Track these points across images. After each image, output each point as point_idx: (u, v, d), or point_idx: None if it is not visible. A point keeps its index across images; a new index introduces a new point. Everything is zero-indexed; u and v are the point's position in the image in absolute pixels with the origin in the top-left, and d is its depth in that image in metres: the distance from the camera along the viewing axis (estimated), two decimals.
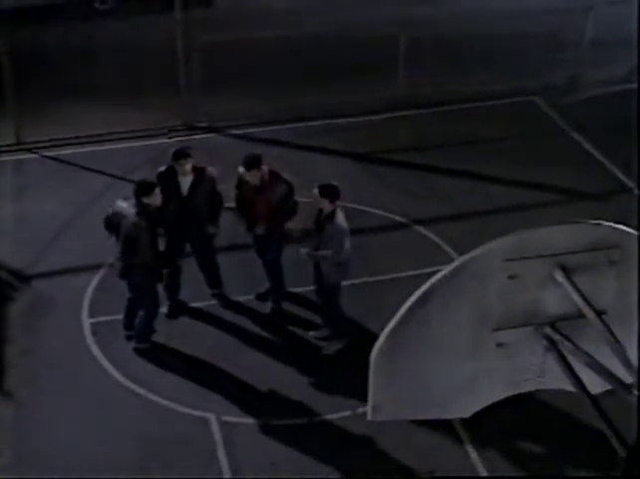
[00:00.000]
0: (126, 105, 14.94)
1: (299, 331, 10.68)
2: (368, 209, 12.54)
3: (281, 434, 9.39)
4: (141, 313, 10.18)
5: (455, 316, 5.62)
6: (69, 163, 13.73)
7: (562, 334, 5.66)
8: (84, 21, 17.57)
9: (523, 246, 5.56)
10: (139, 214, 9.55)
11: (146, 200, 9.56)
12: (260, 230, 10.31)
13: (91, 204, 12.62)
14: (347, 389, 9.88)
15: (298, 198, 10.37)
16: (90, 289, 11.16)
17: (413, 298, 5.60)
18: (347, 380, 9.99)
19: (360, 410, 9.62)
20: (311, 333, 10.60)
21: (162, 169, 10.25)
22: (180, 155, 10.07)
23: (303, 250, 9.81)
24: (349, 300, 10.44)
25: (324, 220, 9.70)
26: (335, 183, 9.75)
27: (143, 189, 9.60)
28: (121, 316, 10.44)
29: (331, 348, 10.38)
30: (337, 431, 9.50)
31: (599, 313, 5.43)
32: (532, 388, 6.22)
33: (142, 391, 9.80)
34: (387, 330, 5.72)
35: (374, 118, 15.04)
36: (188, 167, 10.07)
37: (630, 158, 13.35)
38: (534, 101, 15.69)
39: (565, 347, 5.59)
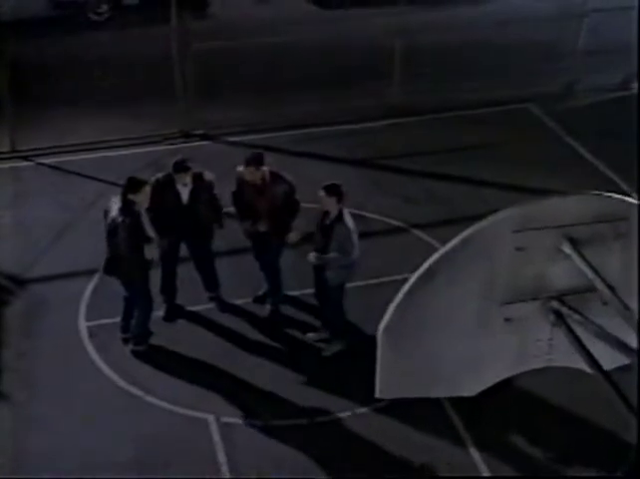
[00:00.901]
0: (121, 113, 15.00)
1: (297, 334, 10.62)
2: (366, 213, 12.51)
3: (281, 434, 9.31)
4: (135, 313, 10.11)
5: (461, 290, 5.57)
6: (64, 170, 13.71)
7: (570, 307, 5.61)
8: (79, 32, 17.64)
9: (531, 218, 5.53)
10: (121, 210, 9.49)
11: (131, 197, 9.49)
12: (262, 226, 10.23)
13: (87, 210, 12.59)
14: (346, 390, 9.83)
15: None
16: (87, 293, 11.10)
17: (419, 272, 5.55)
18: (346, 381, 9.96)
19: (360, 410, 9.62)
20: (310, 335, 10.54)
21: (160, 176, 10.19)
22: (181, 168, 10.01)
23: (312, 256, 9.77)
24: (348, 303, 10.37)
25: (333, 222, 9.63)
26: (338, 182, 9.74)
27: (130, 185, 9.52)
28: (118, 319, 10.36)
29: (330, 350, 10.32)
30: (337, 431, 9.42)
31: (609, 284, 5.38)
32: (540, 366, 6.16)
33: (140, 393, 9.73)
34: (393, 305, 5.66)
35: (371, 125, 15.09)
36: (188, 179, 10.05)
37: (626, 162, 13.35)
38: (530, 108, 15.73)
39: (574, 321, 5.53)
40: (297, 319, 10.83)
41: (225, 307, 10.94)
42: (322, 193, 9.54)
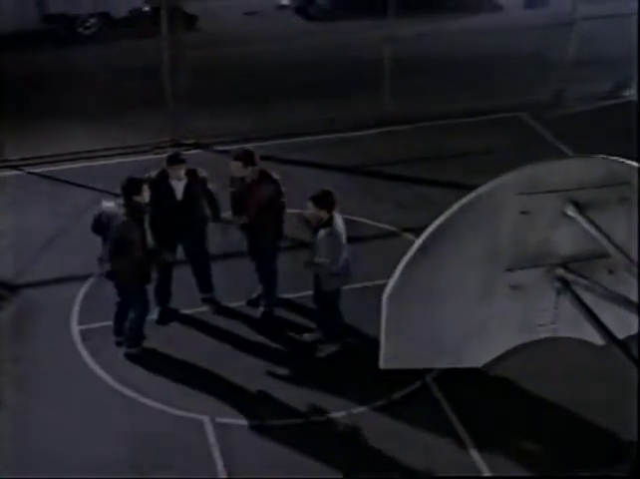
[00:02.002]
0: (113, 124, 14.97)
1: (292, 335, 10.55)
2: (358, 218, 12.47)
3: (276, 434, 9.23)
4: (131, 316, 10.01)
5: (467, 254, 5.50)
6: (55, 179, 13.68)
7: (576, 273, 5.55)
8: (68, 45, 17.66)
9: (536, 181, 5.48)
10: (129, 213, 9.43)
11: (136, 197, 9.45)
12: (242, 219, 10.20)
13: (78, 217, 12.50)
14: (342, 390, 9.76)
15: (289, 210, 10.38)
16: (79, 298, 11.04)
17: (424, 236, 5.49)
18: (342, 382, 9.90)
19: (355, 410, 9.54)
20: (305, 335, 10.47)
21: (154, 173, 10.17)
22: (175, 160, 10.03)
23: (304, 261, 9.69)
24: (342, 305, 10.32)
25: (322, 227, 9.56)
26: (328, 189, 9.64)
27: (133, 187, 9.49)
28: (110, 323, 10.27)
29: (325, 351, 10.24)
30: (333, 431, 9.35)
31: (615, 243, 5.32)
32: (545, 335, 6.09)
33: (134, 395, 9.64)
34: (398, 271, 5.59)
35: (362, 133, 15.10)
36: (182, 172, 10.03)
37: None
38: (521, 116, 15.76)
39: (580, 287, 5.47)
40: (292, 321, 10.77)
41: (219, 310, 10.86)
42: (310, 204, 9.45)
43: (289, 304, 10.97)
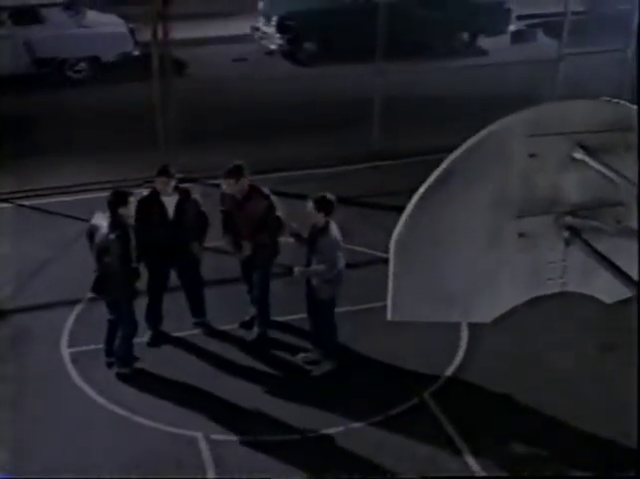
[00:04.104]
0: (104, 161, 14.93)
1: (286, 355, 10.42)
2: (354, 247, 12.37)
3: (273, 450, 9.05)
4: (119, 334, 9.86)
5: (476, 197, 5.38)
6: (46, 211, 13.61)
7: (585, 217, 5.45)
8: (59, 89, 17.71)
9: (543, 122, 5.40)
10: (112, 226, 9.33)
11: (122, 211, 9.36)
12: (246, 250, 10.14)
13: (68, 246, 12.40)
14: (338, 407, 9.64)
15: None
16: (69, 322, 10.89)
17: (434, 176, 5.38)
18: (337, 399, 9.79)
19: (353, 426, 9.38)
20: (300, 356, 10.33)
21: (145, 193, 10.13)
22: (164, 172, 9.98)
23: (296, 269, 9.60)
24: (338, 326, 10.20)
25: (317, 233, 9.52)
26: (330, 196, 9.61)
27: (119, 199, 9.39)
28: (100, 346, 10.14)
29: (320, 370, 10.10)
30: (330, 446, 9.19)
31: (624, 176, 5.22)
32: (554, 290, 5.97)
33: (126, 413, 9.46)
34: (406, 215, 5.48)
35: (352, 168, 15.13)
36: (172, 184, 9.97)
37: None
38: None
39: (589, 234, 5.36)
40: (286, 343, 10.64)
41: (211, 332, 10.72)
42: (310, 204, 9.44)
43: (283, 327, 10.85)
